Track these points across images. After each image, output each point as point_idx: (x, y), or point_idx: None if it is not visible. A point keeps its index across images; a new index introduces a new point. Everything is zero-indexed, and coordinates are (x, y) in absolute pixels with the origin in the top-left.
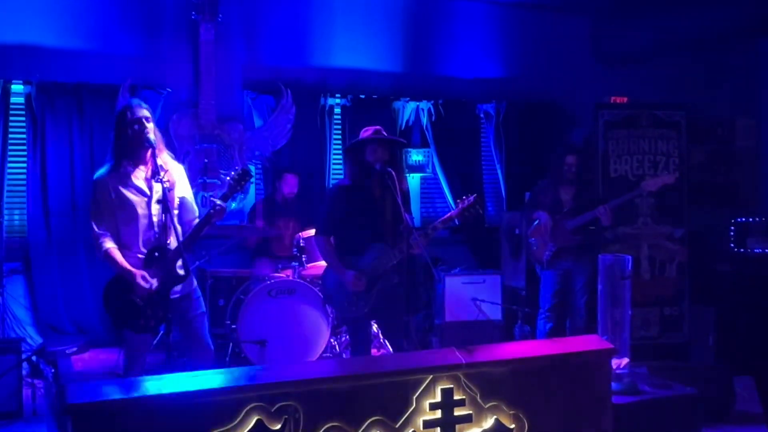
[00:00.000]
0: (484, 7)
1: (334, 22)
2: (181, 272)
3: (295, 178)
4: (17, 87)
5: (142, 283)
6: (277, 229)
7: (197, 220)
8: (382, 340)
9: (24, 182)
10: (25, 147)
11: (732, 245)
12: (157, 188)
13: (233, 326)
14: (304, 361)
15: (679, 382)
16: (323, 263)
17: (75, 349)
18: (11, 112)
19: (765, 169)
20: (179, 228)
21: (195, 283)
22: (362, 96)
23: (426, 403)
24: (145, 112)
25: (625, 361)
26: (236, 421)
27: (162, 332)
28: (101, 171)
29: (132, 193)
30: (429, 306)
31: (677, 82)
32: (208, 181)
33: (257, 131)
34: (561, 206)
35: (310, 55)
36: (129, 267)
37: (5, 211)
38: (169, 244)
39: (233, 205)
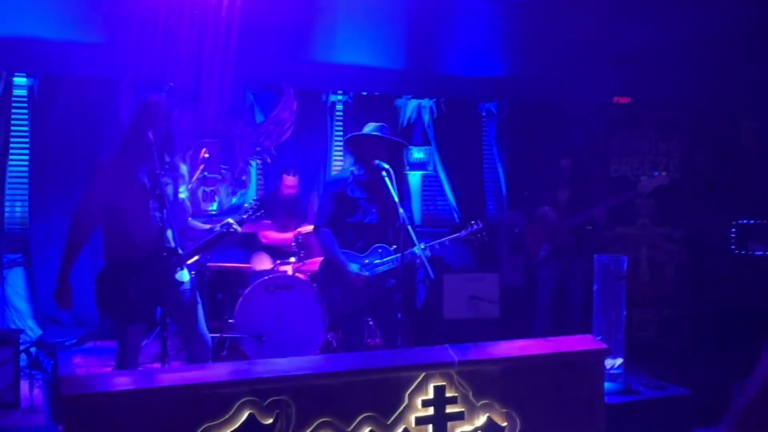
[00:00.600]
0: (488, 5)
1: (336, 19)
2: (180, 279)
3: (294, 178)
4: (20, 80)
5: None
6: (278, 225)
7: (191, 220)
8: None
9: (26, 174)
10: (27, 139)
11: (733, 247)
12: (160, 184)
13: (230, 320)
14: (297, 356)
15: (676, 383)
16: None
17: (74, 341)
18: (14, 104)
19: None
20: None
21: (190, 276)
22: (364, 93)
23: (418, 400)
24: (165, 112)
25: (620, 361)
26: (228, 415)
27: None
28: (108, 156)
29: (135, 187)
30: (426, 303)
31: (682, 83)
32: (208, 176)
33: (259, 127)
34: (557, 206)
35: (312, 51)
36: (67, 270)
37: (7, 203)
38: (167, 242)
39: (234, 200)
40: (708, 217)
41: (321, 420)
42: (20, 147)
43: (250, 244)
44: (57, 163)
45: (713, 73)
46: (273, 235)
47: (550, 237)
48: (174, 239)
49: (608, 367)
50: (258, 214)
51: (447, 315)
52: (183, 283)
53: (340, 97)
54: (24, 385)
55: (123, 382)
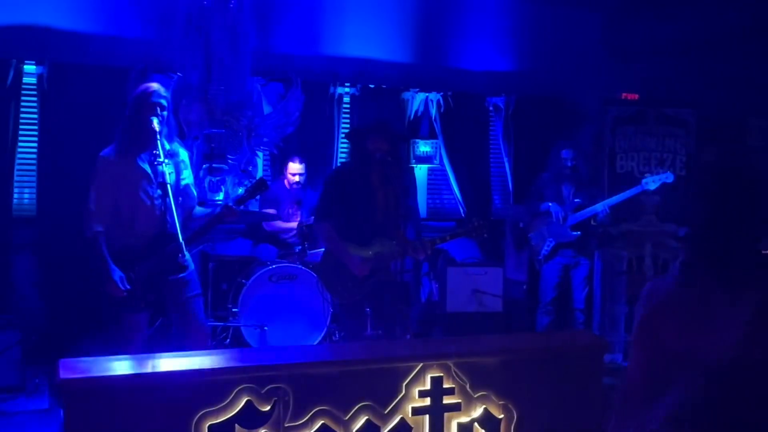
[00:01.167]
0: None
1: (345, 11)
2: (184, 265)
3: (301, 166)
4: (30, 67)
5: (119, 284)
6: (284, 214)
7: (197, 208)
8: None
9: (35, 161)
10: (36, 127)
11: None
12: (162, 172)
13: (234, 310)
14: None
15: None
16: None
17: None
18: (23, 91)
19: None
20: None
21: (192, 265)
22: (371, 86)
23: (415, 391)
24: (164, 99)
25: (620, 356)
26: (226, 402)
27: (159, 316)
28: (108, 149)
29: (136, 174)
30: (430, 296)
31: (689, 80)
32: (215, 165)
33: (266, 118)
34: (562, 201)
35: (320, 43)
36: (110, 263)
37: (16, 190)
38: (169, 228)
39: (240, 190)
40: None
41: (318, 408)
42: (29, 134)
43: (255, 235)
44: (66, 151)
45: (720, 70)
46: (277, 223)
47: (554, 233)
48: (177, 226)
49: (607, 361)
50: (256, 193)
51: (450, 308)
52: (184, 269)
53: (347, 90)
54: (30, 369)
55: (122, 367)
